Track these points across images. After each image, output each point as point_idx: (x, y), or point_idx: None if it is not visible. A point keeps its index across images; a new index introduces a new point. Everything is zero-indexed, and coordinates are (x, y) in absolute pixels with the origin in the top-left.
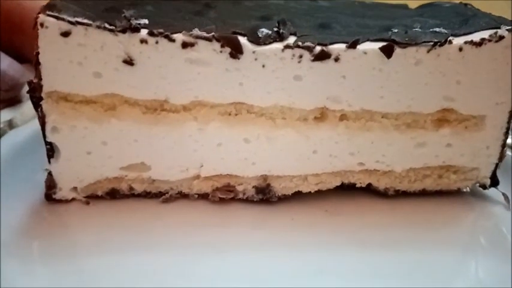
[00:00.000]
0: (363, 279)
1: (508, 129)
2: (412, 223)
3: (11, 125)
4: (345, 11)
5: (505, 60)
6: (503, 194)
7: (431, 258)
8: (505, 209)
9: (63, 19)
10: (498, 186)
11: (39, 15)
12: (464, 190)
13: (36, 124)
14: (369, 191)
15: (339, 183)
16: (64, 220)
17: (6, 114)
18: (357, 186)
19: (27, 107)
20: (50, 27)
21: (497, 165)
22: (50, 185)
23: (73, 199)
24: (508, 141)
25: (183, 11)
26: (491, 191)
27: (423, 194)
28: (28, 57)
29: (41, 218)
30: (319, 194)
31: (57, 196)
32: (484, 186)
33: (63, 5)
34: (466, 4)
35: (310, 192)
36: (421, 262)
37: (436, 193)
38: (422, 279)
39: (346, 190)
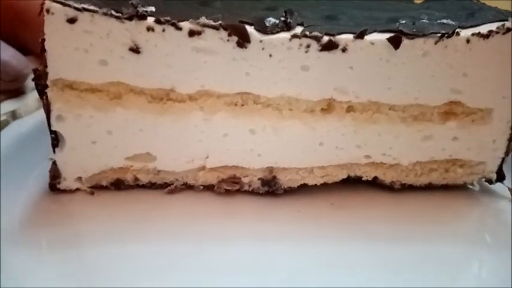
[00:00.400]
0: (368, 271)
1: None
2: (417, 217)
3: (14, 115)
4: (350, 3)
5: None
6: (509, 189)
7: (436, 252)
8: (511, 203)
9: (69, 5)
10: (504, 181)
11: (46, 1)
12: (471, 185)
13: (39, 115)
14: (375, 184)
15: (345, 176)
16: (68, 210)
17: (9, 105)
18: (363, 179)
19: (31, 98)
20: (56, 13)
21: (503, 159)
22: (55, 175)
23: (77, 189)
24: None
25: (189, 0)
26: (498, 186)
27: (429, 188)
28: (31, 48)
29: (45, 208)
30: (325, 187)
31: (62, 186)
32: (490, 181)
33: None
34: None
35: (316, 185)
36: (426, 255)
37: (442, 187)
38: (428, 271)
39: (352, 183)
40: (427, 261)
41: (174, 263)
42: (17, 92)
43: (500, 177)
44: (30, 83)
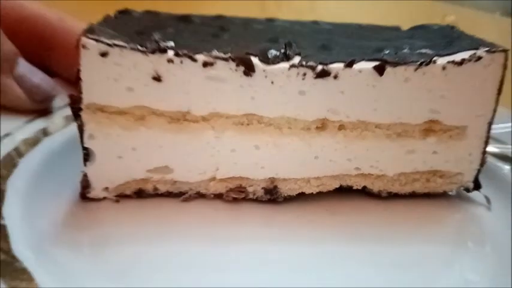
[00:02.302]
0: (359, 269)
1: (487, 138)
2: (403, 222)
3: (45, 133)
4: (343, 33)
5: (483, 77)
6: (485, 197)
7: (420, 252)
8: (486, 210)
9: (102, 41)
10: (481, 190)
11: (82, 37)
12: (450, 193)
13: (66, 132)
14: (365, 192)
15: (337, 186)
16: (97, 216)
17: (40, 124)
18: (353, 188)
19: (57, 117)
20: (91, 48)
21: (479, 170)
22: (85, 185)
23: (104, 198)
24: (488, 148)
25: (200, 33)
26: (475, 194)
27: (413, 196)
28: (57, 72)
29: (77, 214)
30: (320, 195)
31: (91, 195)
32: (467, 190)
33: (100, 29)
34: (452, 27)
35: (312, 193)
36: (412, 255)
37: (425, 195)
38: (412, 270)
39: (344, 192)
40: (412, 259)
41: (188, 261)
42: (45, 112)
43: (477, 186)
44: (57, 103)
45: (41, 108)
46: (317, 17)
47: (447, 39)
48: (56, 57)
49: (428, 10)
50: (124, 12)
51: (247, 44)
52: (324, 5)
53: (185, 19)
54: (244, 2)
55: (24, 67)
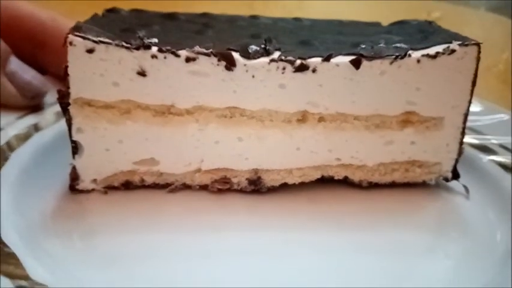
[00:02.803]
0: (340, 255)
1: (464, 128)
2: (384, 211)
3: (36, 128)
4: (324, 29)
5: (457, 70)
6: (464, 186)
7: (401, 240)
8: (465, 198)
9: (88, 39)
10: (459, 179)
11: (69, 35)
12: (429, 182)
13: (57, 128)
14: (346, 183)
15: (319, 176)
16: (86, 207)
17: (31, 119)
18: (335, 178)
19: (49, 113)
20: (78, 45)
21: (457, 160)
22: (74, 177)
23: (93, 189)
24: (468, 140)
25: (185, 30)
26: (453, 183)
27: (393, 185)
28: (48, 69)
29: (66, 206)
30: (303, 185)
31: (80, 187)
32: (446, 179)
33: (87, 27)
34: (430, 22)
35: (295, 183)
36: (392, 243)
37: (405, 185)
38: (394, 257)
39: (326, 182)
40: (392, 248)
41: (175, 250)
42: (36, 108)
43: (455, 175)
44: (48, 100)
45: (32, 104)
46: (305, 16)
47: (423, 33)
48: (47, 55)
49: (415, 8)
50: (112, 11)
51: (230, 40)
52: (312, 5)
53: (171, 17)
54: (233, 2)
55: (15, 64)
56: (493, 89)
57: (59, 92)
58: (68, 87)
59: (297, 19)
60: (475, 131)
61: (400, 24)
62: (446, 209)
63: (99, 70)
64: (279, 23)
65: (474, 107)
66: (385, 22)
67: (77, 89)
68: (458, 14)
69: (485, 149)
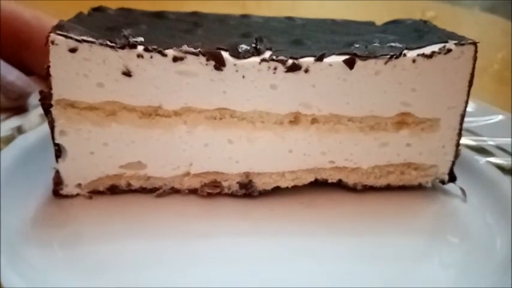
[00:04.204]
0: (333, 261)
1: (460, 130)
2: (379, 215)
3: (19, 130)
4: (317, 28)
5: (454, 70)
6: (461, 189)
7: (397, 245)
8: (462, 201)
9: (71, 37)
10: (456, 182)
11: (51, 34)
12: (426, 185)
13: (41, 130)
14: (340, 186)
15: (312, 179)
16: (70, 213)
17: (15, 121)
18: (328, 181)
19: (33, 114)
20: (60, 44)
21: (453, 162)
22: (57, 182)
23: (77, 194)
24: (465, 141)
25: (174, 29)
26: (450, 186)
27: (388, 188)
28: (34, 70)
29: (50, 211)
30: (296, 189)
31: (64, 192)
32: (443, 182)
33: (70, 26)
34: (425, 21)
35: (287, 187)
36: (388, 248)
37: (400, 188)
38: (389, 262)
39: (320, 185)
40: (388, 253)
41: (163, 256)
42: (21, 109)
43: (452, 178)
44: (32, 101)
45: (16, 105)
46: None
47: (418, 33)
48: (32, 55)
49: (409, 7)
50: (98, 10)
51: (220, 39)
52: (306, 5)
53: (160, 16)
54: (225, 2)
55: None
56: (489, 90)
57: (40, 93)
58: (50, 88)
59: (289, 18)
60: (472, 132)
61: (395, 23)
62: (443, 213)
63: (82, 70)
64: (271, 22)
65: (470, 108)
66: (379, 22)
67: (59, 90)
68: (452, 14)
69: (482, 150)
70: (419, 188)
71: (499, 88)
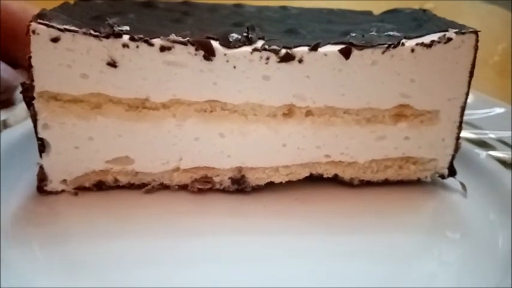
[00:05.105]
0: (328, 259)
1: (461, 122)
2: (376, 210)
3: (5, 124)
4: (312, 17)
5: (454, 60)
6: (461, 183)
7: (394, 241)
8: (462, 196)
9: (52, 26)
10: (456, 176)
11: (31, 23)
12: (425, 180)
13: (28, 124)
14: (336, 181)
15: (307, 174)
16: (55, 210)
17: (0, 115)
18: (324, 176)
19: (20, 108)
20: (41, 33)
21: (453, 156)
22: (42, 178)
23: (63, 191)
24: (465, 134)
25: (163, 18)
26: (450, 180)
27: (386, 183)
28: (20, 62)
29: (34, 209)
30: (290, 184)
31: (48, 188)
32: (442, 176)
33: (52, 14)
34: (424, 10)
35: (281, 182)
36: (385, 244)
37: (399, 182)
38: (386, 258)
39: (315, 180)
40: (385, 250)
41: (151, 255)
42: (6, 103)
43: (452, 172)
44: (19, 95)
45: (2, 99)
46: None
47: (417, 21)
48: (17, 46)
49: None
50: None
51: (210, 28)
52: None
53: (148, 5)
54: None
55: None
56: (490, 81)
57: (22, 84)
58: (32, 80)
59: (283, 7)
60: (472, 125)
61: (393, 12)
62: (442, 208)
63: (65, 61)
64: (265, 11)
65: (470, 100)
66: (376, 13)
67: (41, 82)
68: (452, 4)
69: (483, 144)
70: (418, 182)
71: (500, 80)
